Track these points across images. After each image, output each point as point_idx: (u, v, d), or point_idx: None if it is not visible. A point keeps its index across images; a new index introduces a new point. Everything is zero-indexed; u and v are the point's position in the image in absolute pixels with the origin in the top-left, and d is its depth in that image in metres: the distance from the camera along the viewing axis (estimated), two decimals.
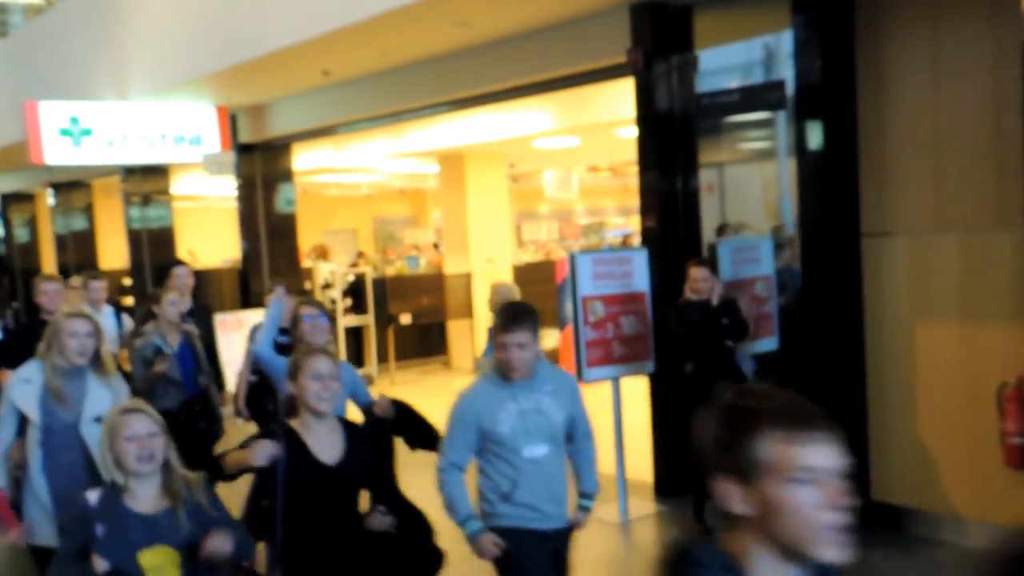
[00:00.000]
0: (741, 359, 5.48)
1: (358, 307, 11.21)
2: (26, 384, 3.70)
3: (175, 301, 5.47)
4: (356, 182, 16.14)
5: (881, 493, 5.19)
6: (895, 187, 5.00)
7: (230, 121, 10.04)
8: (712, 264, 5.85)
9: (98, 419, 3.56)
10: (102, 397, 3.73)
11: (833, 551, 1.32)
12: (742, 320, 5.27)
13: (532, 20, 6.29)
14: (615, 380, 5.88)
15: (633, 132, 6.12)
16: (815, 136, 5.03)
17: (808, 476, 1.31)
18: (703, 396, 2.44)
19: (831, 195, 5.10)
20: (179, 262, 6.75)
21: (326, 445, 3.04)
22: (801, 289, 5.24)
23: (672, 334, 5.44)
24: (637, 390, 6.36)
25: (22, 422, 3.70)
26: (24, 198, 17.91)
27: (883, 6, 4.95)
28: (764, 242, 5.75)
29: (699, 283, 5.22)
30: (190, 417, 5.21)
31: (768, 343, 5.70)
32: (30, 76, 12.17)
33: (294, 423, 3.05)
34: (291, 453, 2.97)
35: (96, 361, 3.75)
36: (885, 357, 5.15)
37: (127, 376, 5.22)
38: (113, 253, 15.08)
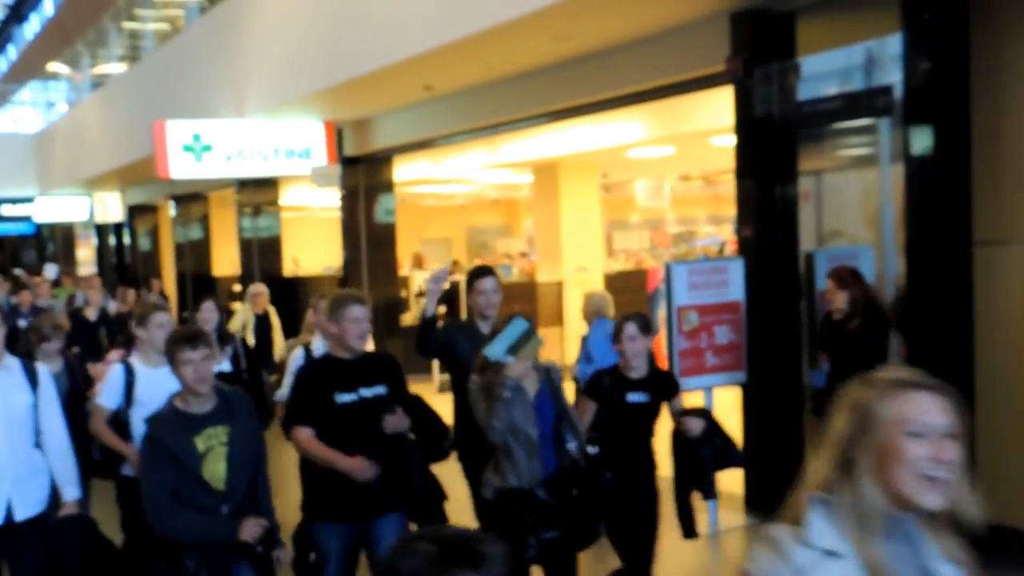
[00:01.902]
0: (825, 374, 5.23)
1: (452, 314, 11.21)
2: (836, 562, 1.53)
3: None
4: (451, 192, 16.23)
5: (992, 515, 4.83)
6: (1011, 193, 4.64)
7: (337, 135, 10.19)
8: (808, 272, 5.61)
9: None
10: None
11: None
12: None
13: (631, 32, 6.14)
14: (708, 390, 5.69)
15: (729, 141, 5.91)
16: (925, 141, 4.72)
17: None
18: None
19: (942, 202, 4.77)
20: (485, 270, 4.53)
21: None
22: (906, 299, 4.93)
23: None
24: (730, 400, 6.13)
25: None
26: (148, 209, 18.65)
27: (999, 6, 4.61)
28: (863, 250, 5.46)
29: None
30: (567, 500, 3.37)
31: None
32: (158, 96, 12.65)
33: None
34: None
35: None
36: (997, 372, 4.77)
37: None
38: (225, 261, 15.53)
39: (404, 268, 13.27)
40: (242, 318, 9.25)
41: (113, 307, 10.19)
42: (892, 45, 4.87)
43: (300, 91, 8.69)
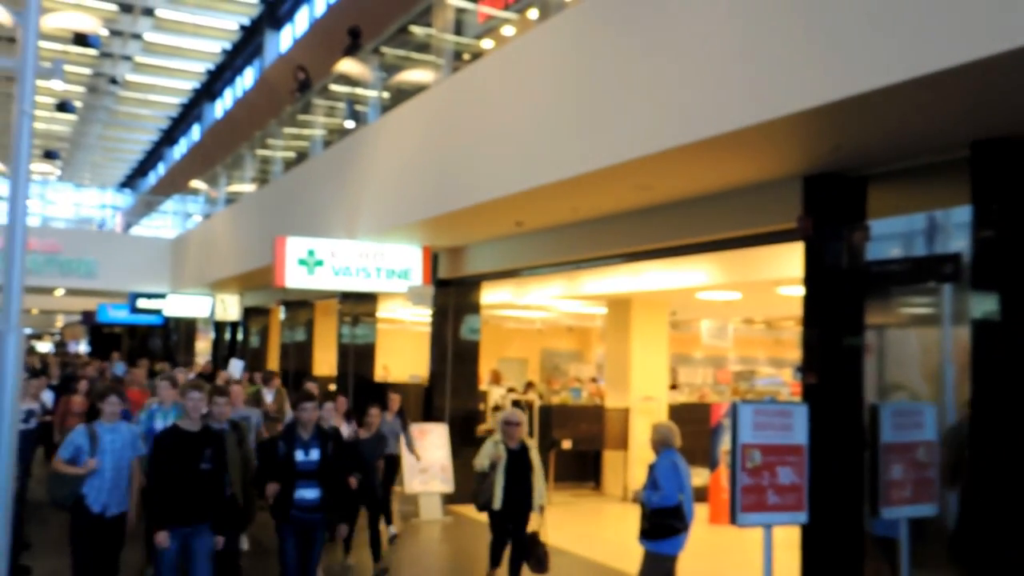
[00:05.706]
0: (887, 522, 4.81)
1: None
2: None
3: None
4: (531, 317, 16.28)
5: None
6: None
7: (433, 260, 10.40)
8: (873, 424, 5.33)
9: None
10: None
11: None
12: None
13: (709, 186, 6.16)
14: (767, 527, 5.38)
15: (794, 290, 5.79)
16: (992, 309, 4.52)
17: None
18: None
19: (1008, 367, 4.53)
20: None
21: None
22: (972, 460, 4.61)
23: None
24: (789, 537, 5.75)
25: None
26: (261, 312, 19.24)
27: None
28: (927, 407, 5.18)
29: None
30: None
31: (927, 509, 5.07)
32: (280, 215, 13.24)
33: None
34: None
35: None
36: None
37: None
38: (323, 363, 15.75)
39: (483, 383, 13.20)
40: (491, 453, 6.25)
41: (344, 429, 7.19)
42: (961, 215, 4.74)
43: (404, 220, 8.91)
